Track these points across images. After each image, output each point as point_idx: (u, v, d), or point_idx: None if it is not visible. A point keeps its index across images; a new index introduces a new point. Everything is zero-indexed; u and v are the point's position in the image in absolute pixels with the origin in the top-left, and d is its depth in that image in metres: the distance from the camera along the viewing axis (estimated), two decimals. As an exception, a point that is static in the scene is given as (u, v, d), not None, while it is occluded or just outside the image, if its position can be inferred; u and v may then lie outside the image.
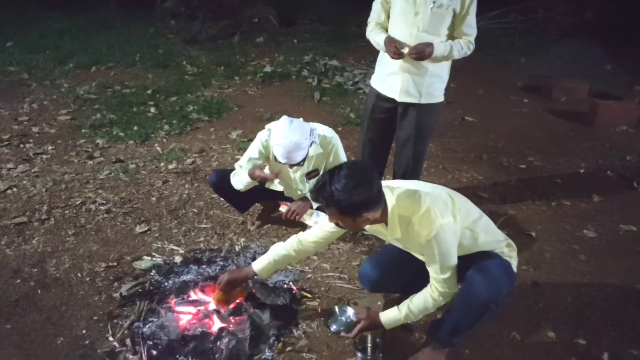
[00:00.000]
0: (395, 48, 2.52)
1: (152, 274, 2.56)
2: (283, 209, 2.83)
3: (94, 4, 8.72)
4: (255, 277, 2.22)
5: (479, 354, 2.16)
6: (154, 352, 2.05)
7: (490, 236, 1.97)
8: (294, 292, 2.46)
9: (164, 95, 5.26)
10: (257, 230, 2.97)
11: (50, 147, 4.01)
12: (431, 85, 2.68)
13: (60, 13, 8.33)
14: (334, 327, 2.18)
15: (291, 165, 2.48)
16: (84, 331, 2.19)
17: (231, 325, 2.17)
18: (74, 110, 4.79)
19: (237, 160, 3.81)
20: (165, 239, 2.87)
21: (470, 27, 2.58)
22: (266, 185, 2.84)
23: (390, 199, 1.84)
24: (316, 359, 2.10)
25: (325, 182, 1.74)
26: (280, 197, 2.92)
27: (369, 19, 2.77)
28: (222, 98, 5.27)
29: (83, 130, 4.33)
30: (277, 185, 2.85)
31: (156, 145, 4.12)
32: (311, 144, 2.43)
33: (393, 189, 1.88)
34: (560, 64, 7.05)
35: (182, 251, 2.76)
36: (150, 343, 2.09)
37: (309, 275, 2.61)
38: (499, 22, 8.07)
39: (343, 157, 2.67)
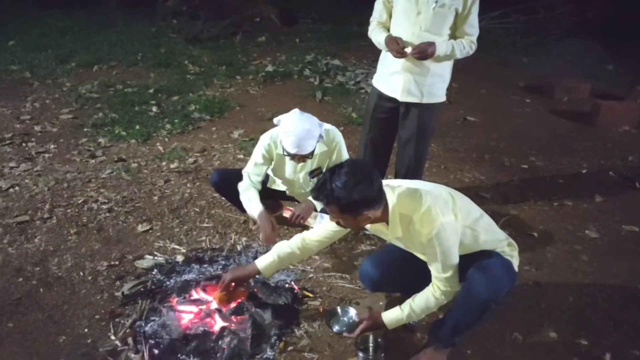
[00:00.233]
0: (397, 46, 2.52)
1: (154, 273, 2.56)
2: (287, 214, 2.83)
3: (94, 3, 8.72)
4: (259, 275, 2.22)
5: (481, 354, 2.16)
6: (156, 351, 2.05)
7: (491, 235, 1.98)
8: (295, 291, 2.46)
9: (166, 94, 5.26)
10: (258, 230, 2.97)
11: (52, 146, 4.02)
12: (433, 85, 2.68)
13: (61, 11, 8.33)
14: (336, 328, 2.18)
15: (299, 158, 2.45)
16: (86, 330, 2.20)
17: (233, 325, 2.17)
18: (76, 109, 4.80)
19: (239, 159, 3.90)
20: (167, 238, 2.88)
21: (473, 26, 2.58)
22: (268, 185, 2.85)
23: (391, 198, 1.84)
24: (318, 358, 2.10)
25: (326, 180, 1.75)
26: (282, 196, 2.92)
27: (371, 18, 2.77)
28: (224, 97, 5.27)
29: (85, 129, 4.34)
30: (279, 185, 2.85)
31: (158, 144, 4.12)
32: (320, 137, 2.42)
33: (394, 187, 1.88)
34: (562, 63, 7.04)
35: (183, 250, 2.76)
36: (152, 342, 2.09)
37: (311, 275, 2.61)
38: (500, 22, 8.06)
39: (346, 155, 2.67)
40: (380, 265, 2.21)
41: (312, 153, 2.42)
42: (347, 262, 2.72)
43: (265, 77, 5.92)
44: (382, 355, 2.06)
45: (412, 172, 2.89)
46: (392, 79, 2.71)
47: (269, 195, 2.89)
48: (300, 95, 5.41)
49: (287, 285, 2.49)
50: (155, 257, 2.69)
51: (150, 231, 2.94)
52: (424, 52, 2.48)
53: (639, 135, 4.77)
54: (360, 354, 2.05)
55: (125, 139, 4.17)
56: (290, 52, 6.90)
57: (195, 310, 2.25)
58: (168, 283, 2.47)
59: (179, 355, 2.04)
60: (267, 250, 2.25)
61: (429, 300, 1.94)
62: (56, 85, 5.41)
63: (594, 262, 2.83)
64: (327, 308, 2.36)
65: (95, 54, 6.41)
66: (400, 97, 2.70)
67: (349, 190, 1.70)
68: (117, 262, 2.65)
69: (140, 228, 2.95)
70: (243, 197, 2.63)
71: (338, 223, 1.89)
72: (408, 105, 2.73)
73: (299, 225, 2.80)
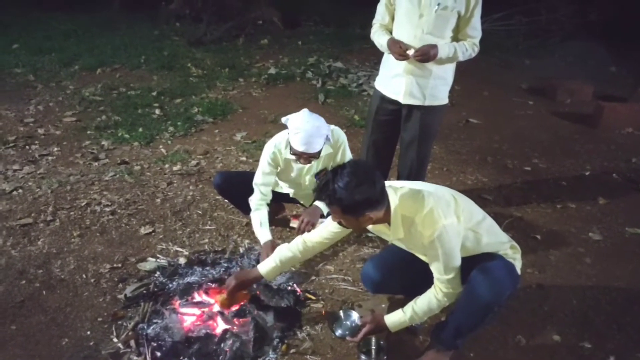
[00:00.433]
0: (399, 49, 2.52)
1: (156, 275, 2.56)
2: (294, 224, 2.83)
3: (97, 5, 8.75)
4: (262, 279, 2.22)
5: (484, 357, 2.15)
6: (158, 354, 2.05)
7: (494, 238, 1.97)
8: (298, 294, 2.46)
9: (168, 97, 5.28)
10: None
11: (55, 149, 4.03)
12: (435, 87, 2.68)
13: (63, 14, 8.37)
14: (339, 332, 2.18)
15: (306, 159, 2.43)
16: (88, 332, 2.20)
17: (235, 327, 2.18)
18: (80, 112, 4.81)
19: (242, 161, 3.91)
20: (170, 240, 2.88)
21: (475, 29, 2.58)
22: (271, 188, 2.84)
23: (394, 199, 1.84)
24: (320, 361, 2.10)
25: (328, 181, 1.75)
26: (285, 199, 2.92)
27: (374, 21, 2.77)
28: (227, 100, 5.28)
29: (88, 132, 4.35)
30: (282, 188, 2.85)
31: (161, 147, 4.13)
32: (327, 138, 2.42)
33: (396, 189, 1.88)
34: (564, 65, 7.03)
35: (186, 253, 2.77)
36: (155, 344, 2.09)
37: (313, 277, 2.61)
38: (503, 24, 8.06)
39: (349, 156, 2.67)
40: (382, 267, 2.21)
41: (319, 153, 2.42)
42: (349, 264, 2.72)
43: (268, 79, 5.93)
44: (385, 357, 2.06)
45: (414, 174, 2.88)
46: (394, 81, 2.71)
47: (272, 198, 2.89)
48: (303, 98, 5.42)
49: (289, 288, 2.49)
50: (158, 260, 2.69)
51: (153, 234, 2.94)
52: (426, 54, 2.48)
53: (643, 137, 4.76)
54: (363, 357, 2.05)
55: (128, 142, 4.19)
56: (293, 55, 6.91)
57: (198, 313, 2.25)
58: (170, 285, 2.48)
59: (181, 358, 2.04)
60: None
61: (431, 302, 1.94)
62: (60, 88, 5.43)
63: (597, 264, 2.82)
64: (329, 311, 2.36)
65: (99, 57, 6.44)
66: (403, 99, 2.70)
67: (351, 191, 1.70)
68: (119, 265, 2.65)
69: (143, 230, 2.96)
70: (254, 217, 2.65)
71: (340, 223, 1.89)
72: (410, 107, 2.73)
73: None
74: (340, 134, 2.60)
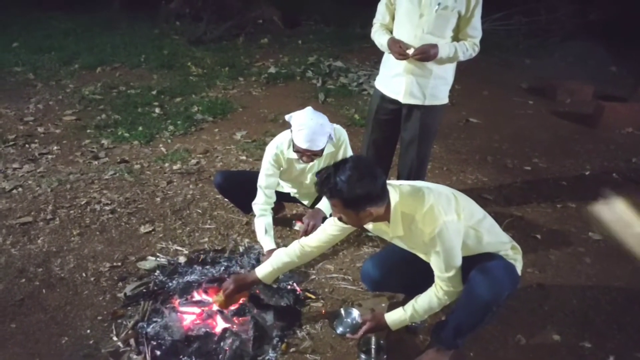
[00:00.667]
0: (399, 48, 2.52)
1: (156, 274, 2.56)
2: (298, 226, 2.82)
3: (97, 5, 8.75)
4: (259, 283, 2.23)
5: (484, 356, 2.15)
6: (158, 353, 2.05)
7: (495, 237, 1.97)
8: (297, 293, 2.46)
9: (168, 96, 5.28)
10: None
11: (55, 147, 4.03)
12: (435, 87, 2.67)
13: (63, 13, 8.36)
14: (340, 330, 2.18)
15: (308, 157, 2.42)
16: (88, 331, 2.20)
17: (235, 326, 2.17)
18: (79, 111, 4.81)
19: (242, 160, 3.91)
20: (170, 239, 2.88)
21: (475, 29, 2.58)
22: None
23: (394, 197, 1.84)
24: (320, 360, 2.10)
25: (330, 174, 1.76)
26: (286, 198, 2.92)
27: (374, 20, 2.77)
28: (227, 99, 5.27)
29: (88, 131, 4.35)
30: (282, 187, 2.85)
31: (161, 145, 4.13)
32: (330, 137, 2.41)
33: (396, 186, 1.88)
34: (564, 65, 7.03)
35: (186, 251, 2.76)
36: (154, 343, 2.09)
37: (313, 277, 2.61)
38: (503, 24, 8.06)
39: (351, 153, 2.67)
40: (382, 265, 2.21)
41: (322, 151, 2.41)
42: (349, 263, 2.72)
43: (268, 78, 5.92)
44: (385, 357, 2.06)
45: (414, 173, 2.88)
46: (394, 81, 2.71)
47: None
48: (303, 97, 5.42)
49: (289, 287, 2.49)
50: (158, 259, 2.69)
51: (153, 232, 2.94)
52: (426, 53, 2.48)
53: (643, 137, 4.76)
54: (363, 356, 2.05)
55: (128, 141, 4.18)
56: (293, 54, 6.91)
57: (198, 312, 2.25)
58: (170, 284, 2.48)
59: (180, 357, 2.04)
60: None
61: (432, 300, 1.94)
62: (59, 87, 5.43)
63: (597, 264, 2.82)
64: (330, 310, 2.35)
65: (99, 55, 6.43)
66: (403, 99, 2.70)
67: (353, 185, 1.71)
68: (119, 264, 2.65)
69: (143, 229, 2.96)
70: (259, 223, 2.63)
71: (340, 219, 1.89)
72: (410, 107, 2.72)
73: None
74: (342, 133, 2.60)
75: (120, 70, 6.06)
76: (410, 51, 2.50)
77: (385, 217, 1.87)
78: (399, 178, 3.00)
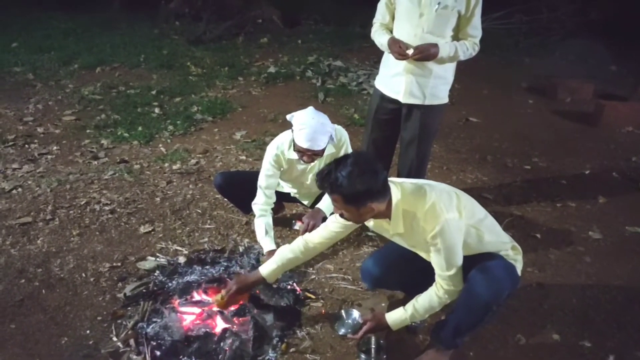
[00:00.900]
0: (399, 48, 2.51)
1: (156, 274, 2.56)
2: (298, 226, 2.82)
3: (96, 4, 8.74)
4: (263, 282, 2.21)
5: (484, 356, 2.15)
6: (158, 353, 2.05)
7: (496, 237, 1.97)
8: (297, 293, 2.46)
9: (168, 95, 5.27)
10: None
11: (55, 148, 4.02)
12: (435, 86, 2.67)
13: (63, 13, 8.36)
14: (341, 331, 2.19)
15: (309, 156, 2.42)
16: (87, 331, 2.20)
17: (234, 326, 2.17)
18: (79, 111, 4.81)
19: (241, 160, 3.90)
20: (169, 239, 2.88)
21: (476, 28, 2.57)
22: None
23: (396, 194, 1.84)
24: (320, 360, 2.10)
25: (331, 170, 1.76)
26: (286, 198, 2.92)
27: (374, 20, 2.77)
28: (226, 99, 5.27)
29: (88, 131, 4.34)
30: (282, 187, 2.84)
31: (160, 145, 4.13)
32: (331, 137, 2.41)
33: (398, 183, 1.88)
34: (564, 64, 7.02)
35: (186, 252, 2.76)
36: (154, 343, 2.09)
37: (313, 276, 2.61)
38: (503, 23, 8.05)
39: None
40: (382, 263, 2.21)
41: (323, 151, 2.41)
42: (349, 263, 2.72)
43: (268, 78, 5.92)
44: (384, 357, 2.06)
45: (414, 173, 2.88)
46: (394, 80, 2.71)
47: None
48: (303, 97, 5.41)
49: (289, 287, 2.49)
50: (158, 259, 2.69)
51: (153, 232, 2.94)
52: (426, 52, 2.47)
53: (643, 136, 4.76)
54: (363, 356, 2.05)
55: (127, 141, 4.18)
56: (293, 54, 6.90)
57: (197, 312, 2.25)
58: (170, 284, 2.47)
59: (180, 357, 2.04)
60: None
61: (433, 300, 1.94)
62: (59, 87, 5.43)
63: (597, 263, 2.82)
64: (330, 310, 2.35)
65: (98, 55, 6.43)
66: (403, 98, 2.70)
67: (353, 180, 1.71)
68: (119, 264, 2.65)
69: (143, 229, 2.96)
70: (259, 224, 2.63)
71: (342, 215, 1.89)
72: (410, 106, 2.72)
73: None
74: (343, 133, 2.60)
75: (119, 70, 6.06)
76: (410, 51, 2.50)
77: (386, 214, 1.87)
78: (398, 177, 2.99)
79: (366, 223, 2.00)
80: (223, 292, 2.19)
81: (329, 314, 2.32)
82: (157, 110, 4.85)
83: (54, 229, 2.94)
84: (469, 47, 2.57)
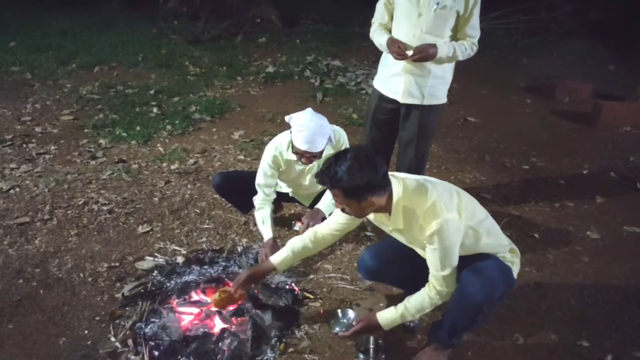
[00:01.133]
0: (398, 49, 2.52)
1: (154, 274, 2.56)
2: (297, 227, 2.82)
3: (95, 4, 8.72)
4: (274, 271, 2.23)
5: (482, 355, 2.15)
6: (156, 353, 2.05)
7: (494, 239, 1.96)
8: (296, 293, 2.46)
9: (166, 95, 5.27)
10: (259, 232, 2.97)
11: (53, 147, 4.02)
12: (434, 86, 2.67)
13: (62, 12, 8.34)
14: (336, 329, 2.19)
15: (307, 158, 2.41)
16: (86, 331, 2.19)
17: (233, 326, 2.17)
18: (77, 111, 4.80)
19: (240, 160, 3.90)
20: (168, 239, 2.88)
21: (474, 28, 2.57)
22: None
23: (397, 190, 1.84)
24: (318, 360, 2.10)
25: (330, 164, 1.76)
26: (284, 198, 2.92)
27: (373, 20, 2.77)
28: (225, 98, 5.27)
29: (86, 131, 4.34)
30: (280, 187, 2.84)
31: (159, 145, 4.12)
32: (330, 139, 2.41)
33: (401, 179, 1.88)
34: (563, 64, 7.04)
35: (184, 251, 2.76)
36: (152, 344, 2.09)
37: (311, 276, 2.60)
38: (501, 23, 8.06)
39: None
40: (379, 256, 2.21)
41: (321, 153, 2.41)
42: (347, 263, 2.72)
43: (266, 78, 5.92)
44: (383, 356, 2.06)
45: (413, 173, 2.83)
46: (393, 80, 2.71)
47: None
48: (301, 96, 5.41)
49: (287, 287, 2.49)
50: (156, 259, 2.68)
51: (151, 232, 2.94)
52: (425, 53, 2.47)
53: (640, 136, 4.77)
54: (361, 356, 2.06)
55: (125, 140, 4.17)
56: (291, 53, 6.90)
57: (196, 312, 2.25)
58: (168, 284, 2.47)
59: (179, 357, 2.03)
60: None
61: (424, 300, 1.93)
62: (57, 87, 5.41)
63: (595, 263, 2.82)
64: (328, 309, 2.35)
65: (96, 55, 6.42)
66: (401, 99, 2.70)
67: (353, 174, 1.71)
68: (117, 264, 2.65)
69: (141, 229, 2.95)
70: (257, 215, 2.66)
71: (343, 210, 1.89)
72: (409, 106, 2.72)
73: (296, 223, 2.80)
74: (342, 134, 2.60)
75: (117, 70, 6.05)
76: (410, 52, 2.50)
77: (387, 208, 1.87)
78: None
79: (367, 217, 1.99)
80: (232, 283, 2.20)
81: (328, 314, 2.31)
82: (155, 109, 4.84)
83: (51, 229, 2.93)
84: (468, 47, 2.57)
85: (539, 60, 7.14)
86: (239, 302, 2.27)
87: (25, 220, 3.00)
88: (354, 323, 2.17)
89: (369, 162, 1.75)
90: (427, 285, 1.94)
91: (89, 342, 2.14)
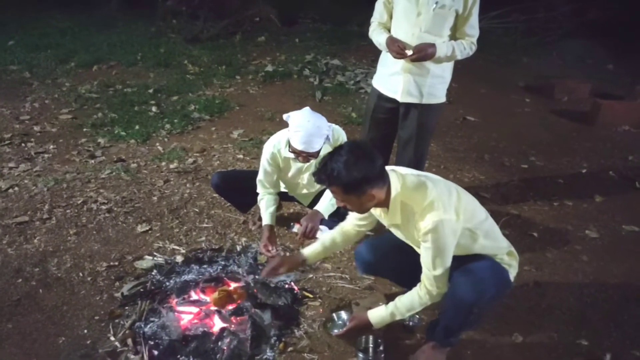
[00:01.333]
0: (398, 47, 2.51)
1: (153, 273, 2.56)
2: (296, 229, 2.82)
3: (94, 3, 8.71)
4: (305, 262, 2.26)
5: (481, 354, 2.15)
6: (155, 352, 2.05)
7: (492, 241, 1.95)
8: (295, 292, 2.46)
9: (165, 94, 5.26)
10: (258, 230, 2.97)
11: (51, 146, 4.01)
12: (433, 85, 2.67)
13: (61, 12, 8.32)
14: (334, 332, 2.20)
15: (304, 157, 2.42)
16: (85, 331, 2.19)
17: (232, 326, 2.17)
18: (76, 109, 4.79)
19: (239, 159, 3.91)
20: (167, 238, 2.87)
21: (473, 27, 2.57)
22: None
23: (396, 185, 1.83)
24: (317, 359, 2.10)
25: (326, 161, 1.76)
26: (283, 197, 2.92)
27: (372, 19, 2.76)
28: (224, 97, 5.26)
29: (84, 130, 4.33)
30: (281, 187, 2.84)
31: (157, 144, 4.12)
32: (327, 138, 2.41)
33: (401, 175, 1.87)
34: (562, 63, 7.04)
35: (183, 251, 2.76)
36: (152, 343, 2.09)
37: (311, 276, 2.60)
38: (500, 22, 8.06)
39: None
40: (376, 249, 2.21)
41: (318, 153, 2.41)
42: (346, 262, 2.72)
43: (265, 77, 5.91)
44: (382, 355, 2.06)
45: (412, 172, 2.88)
46: (392, 79, 2.71)
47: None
48: (300, 95, 5.41)
49: (287, 286, 2.49)
50: (155, 258, 2.68)
51: (150, 232, 2.93)
52: (424, 52, 2.47)
53: (639, 135, 4.76)
54: (361, 355, 2.06)
55: (124, 139, 4.17)
56: (290, 52, 6.89)
57: (195, 311, 2.25)
58: (167, 284, 2.47)
59: (178, 356, 2.03)
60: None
61: (414, 299, 1.93)
62: (56, 86, 5.40)
63: (594, 262, 2.82)
64: (328, 310, 2.35)
65: (95, 54, 6.41)
66: (400, 98, 2.70)
67: (350, 168, 1.70)
68: (116, 263, 2.64)
69: (140, 228, 2.95)
70: (260, 203, 2.69)
71: (345, 208, 1.88)
72: (408, 106, 2.72)
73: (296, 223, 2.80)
74: (341, 133, 2.60)
75: (116, 69, 6.04)
76: (409, 52, 2.50)
77: (386, 203, 1.87)
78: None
79: None
80: (267, 267, 2.24)
81: (327, 313, 2.32)
82: (154, 108, 4.84)
83: (50, 228, 2.93)
84: (467, 47, 2.57)
85: (538, 60, 7.15)
86: (238, 302, 2.28)
87: (24, 219, 2.99)
88: (347, 322, 2.17)
89: (365, 155, 1.74)
90: (418, 284, 1.94)
91: (88, 342, 2.14)
